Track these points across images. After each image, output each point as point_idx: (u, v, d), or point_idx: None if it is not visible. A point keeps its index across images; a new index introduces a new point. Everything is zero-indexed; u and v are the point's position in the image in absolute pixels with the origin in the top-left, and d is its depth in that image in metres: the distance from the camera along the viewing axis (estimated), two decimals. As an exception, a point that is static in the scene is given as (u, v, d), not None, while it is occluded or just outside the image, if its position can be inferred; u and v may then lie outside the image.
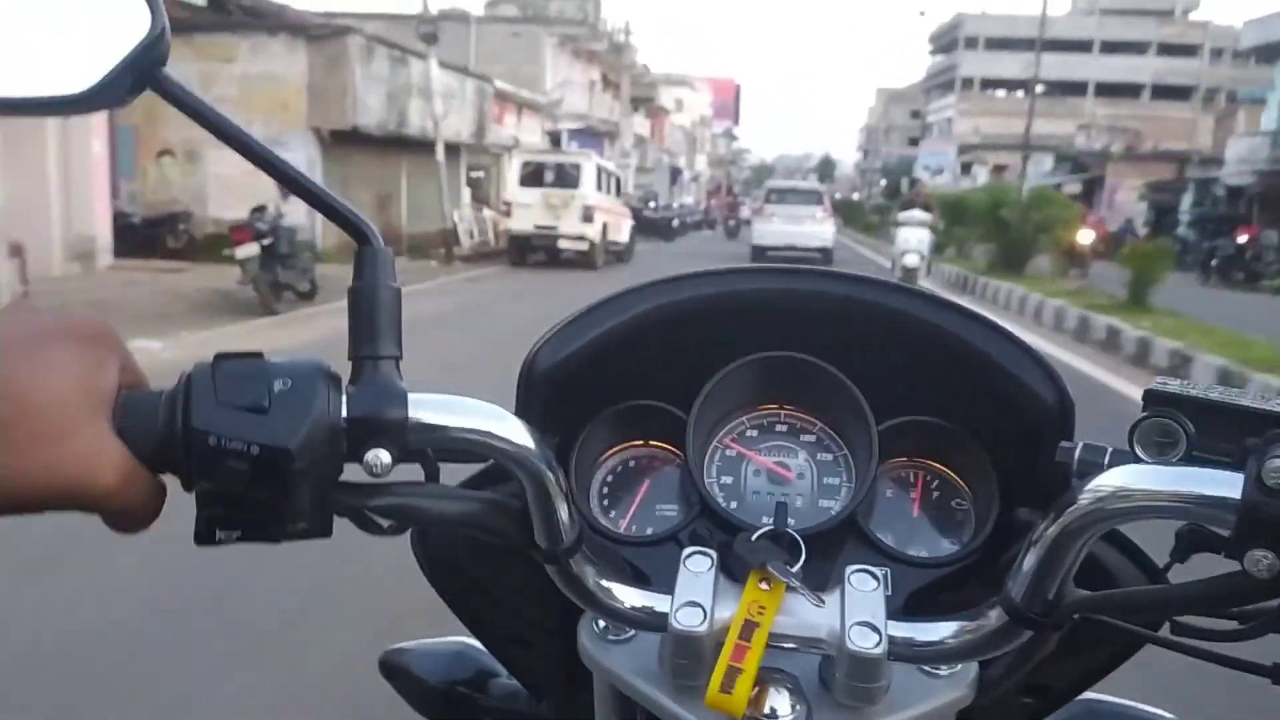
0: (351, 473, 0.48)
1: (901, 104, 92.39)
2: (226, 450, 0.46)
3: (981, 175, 51.66)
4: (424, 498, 0.52)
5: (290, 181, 0.50)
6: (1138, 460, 0.47)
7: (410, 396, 0.48)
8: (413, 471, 0.52)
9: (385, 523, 0.51)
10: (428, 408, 0.49)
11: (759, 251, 18.85)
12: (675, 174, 49.94)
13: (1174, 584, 0.48)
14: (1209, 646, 0.47)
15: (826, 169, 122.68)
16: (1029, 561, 0.48)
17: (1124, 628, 0.49)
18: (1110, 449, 0.50)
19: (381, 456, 0.48)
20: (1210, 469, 0.44)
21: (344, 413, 0.47)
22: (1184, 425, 0.48)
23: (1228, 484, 0.43)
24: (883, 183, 78.35)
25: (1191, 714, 1.06)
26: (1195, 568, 0.46)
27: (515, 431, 0.50)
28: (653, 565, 0.63)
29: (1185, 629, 0.48)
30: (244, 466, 0.45)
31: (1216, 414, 0.48)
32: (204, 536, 0.48)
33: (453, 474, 0.59)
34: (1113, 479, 0.46)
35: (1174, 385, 0.50)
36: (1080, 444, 0.50)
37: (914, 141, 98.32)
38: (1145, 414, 0.48)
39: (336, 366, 0.49)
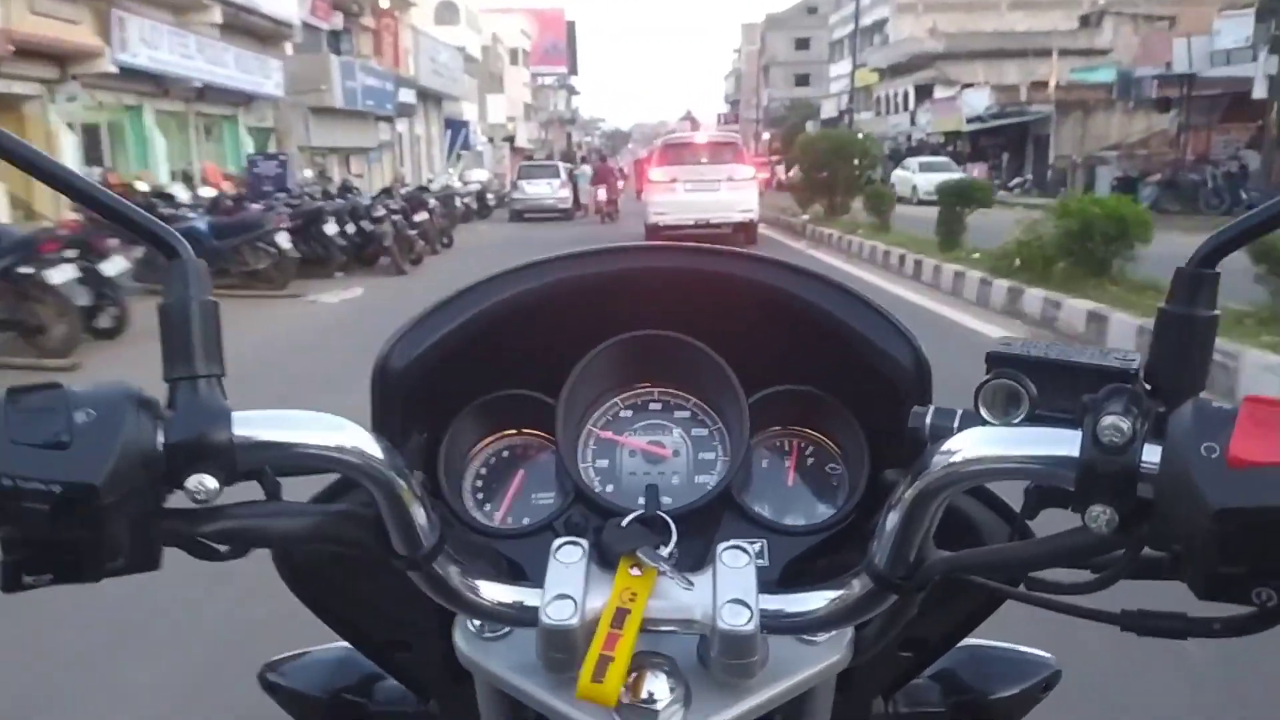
0: (182, 499, 0.49)
1: (781, 33, 67.97)
2: (24, 492, 0.45)
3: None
4: (261, 518, 0.53)
5: (85, 197, 0.50)
6: (984, 422, 0.52)
7: (235, 415, 0.50)
8: (254, 490, 0.53)
9: (222, 548, 0.52)
10: (256, 425, 0.50)
11: (657, 233, 14.85)
12: (457, 131, 39.56)
13: (1025, 542, 0.54)
14: (1062, 599, 0.52)
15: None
16: (889, 525, 0.53)
17: (983, 585, 0.54)
18: (960, 412, 0.54)
19: (205, 482, 0.49)
20: (1051, 428, 0.49)
21: (160, 439, 0.48)
22: (1025, 386, 0.52)
23: (1067, 442, 0.47)
24: (766, 137, 68.02)
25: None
26: (1058, 518, 0.51)
27: (356, 440, 0.51)
28: (529, 557, 0.67)
29: (1040, 583, 0.54)
30: (45, 507, 0.45)
31: (1055, 372, 0.52)
32: (11, 583, 0.48)
33: (314, 484, 0.64)
34: (960, 443, 0.50)
35: (1015, 346, 0.54)
36: (931, 409, 0.56)
37: (803, 80, 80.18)
38: (989, 376, 0.53)
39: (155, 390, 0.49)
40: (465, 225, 21.33)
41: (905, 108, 45.43)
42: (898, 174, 29.64)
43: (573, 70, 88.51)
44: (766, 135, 78.48)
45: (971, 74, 36.83)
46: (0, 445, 0.45)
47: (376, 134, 28.42)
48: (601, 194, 24.01)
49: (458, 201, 21.15)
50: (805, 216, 18.38)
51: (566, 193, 25.71)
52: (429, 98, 35.66)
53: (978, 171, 14.66)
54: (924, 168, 28.46)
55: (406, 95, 29.97)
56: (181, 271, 0.52)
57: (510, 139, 54.50)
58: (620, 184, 25.56)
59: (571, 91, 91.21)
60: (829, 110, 58.81)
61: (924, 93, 42.24)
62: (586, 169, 27.55)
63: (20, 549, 0.47)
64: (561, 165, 27.41)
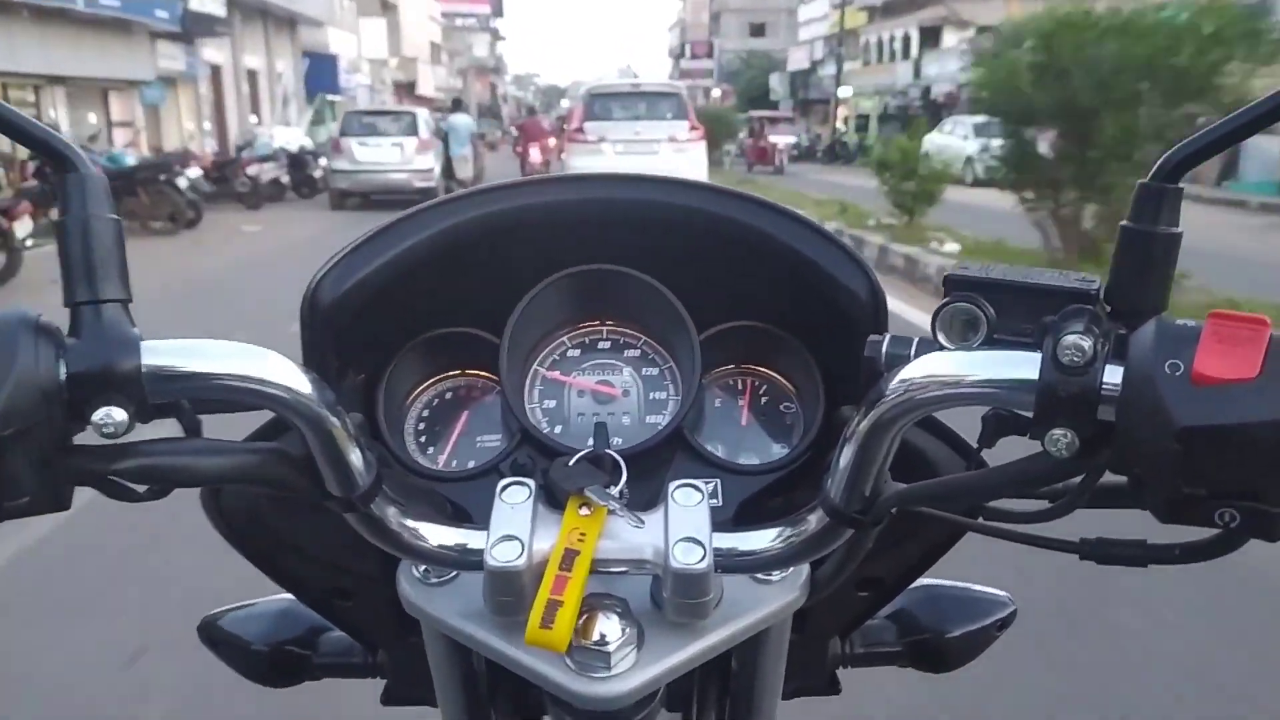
0: (93, 435, 0.46)
1: (734, -28, 61.97)
2: None
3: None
4: (180, 455, 0.50)
5: None
6: (942, 348, 0.50)
7: (145, 344, 0.46)
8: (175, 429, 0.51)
9: (139, 488, 0.50)
10: (168, 354, 0.47)
11: None
12: (321, 69, 30.93)
13: (982, 470, 0.52)
14: (1020, 529, 0.51)
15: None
16: (844, 459, 0.52)
17: (940, 517, 0.53)
18: (917, 339, 0.53)
19: (114, 414, 0.46)
20: (1009, 351, 0.48)
21: (62, 368, 0.45)
22: (984, 309, 0.50)
23: (1026, 365, 0.46)
24: (716, 93, 57.52)
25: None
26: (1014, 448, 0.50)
27: (281, 373, 0.48)
28: (474, 501, 0.67)
29: (998, 513, 0.53)
30: None
31: (1014, 294, 0.50)
32: None
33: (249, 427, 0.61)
34: (917, 369, 0.49)
35: (973, 269, 0.52)
36: (888, 336, 0.54)
37: (759, 30, 71.88)
38: (946, 299, 0.51)
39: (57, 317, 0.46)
40: (254, 213, 14.57)
41: (905, 55, 35.84)
42: (936, 140, 19.72)
43: (497, 12, 76.97)
44: (717, 92, 68.27)
45: (991, 13, 27.37)
46: None
47: (153, 60, 18.01)
48: (536, 155, 17.73)
49: (259, 174, 15.24)
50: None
51: (428, 161, 15.70)
52: (270, 17, 25.08)
53: (1046, 143, 8.23)
54: (981, 131, 18.59)
55: (210, 2, 19.41)
56: (80, 186, 0.48)
57: (409, 85, 43.53)
58: (552, 142, 18.49)
59: (496, 36, 79.89)
60: (798, 61, 48.70)
61: (930, 37, 32.62)
62: (462, 120, 17.63)
63: None
64: (421, 115, 16.90)
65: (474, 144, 17.90)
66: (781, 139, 29.67)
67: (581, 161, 12.61)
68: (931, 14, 32.88)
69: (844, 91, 37.19)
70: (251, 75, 25.28)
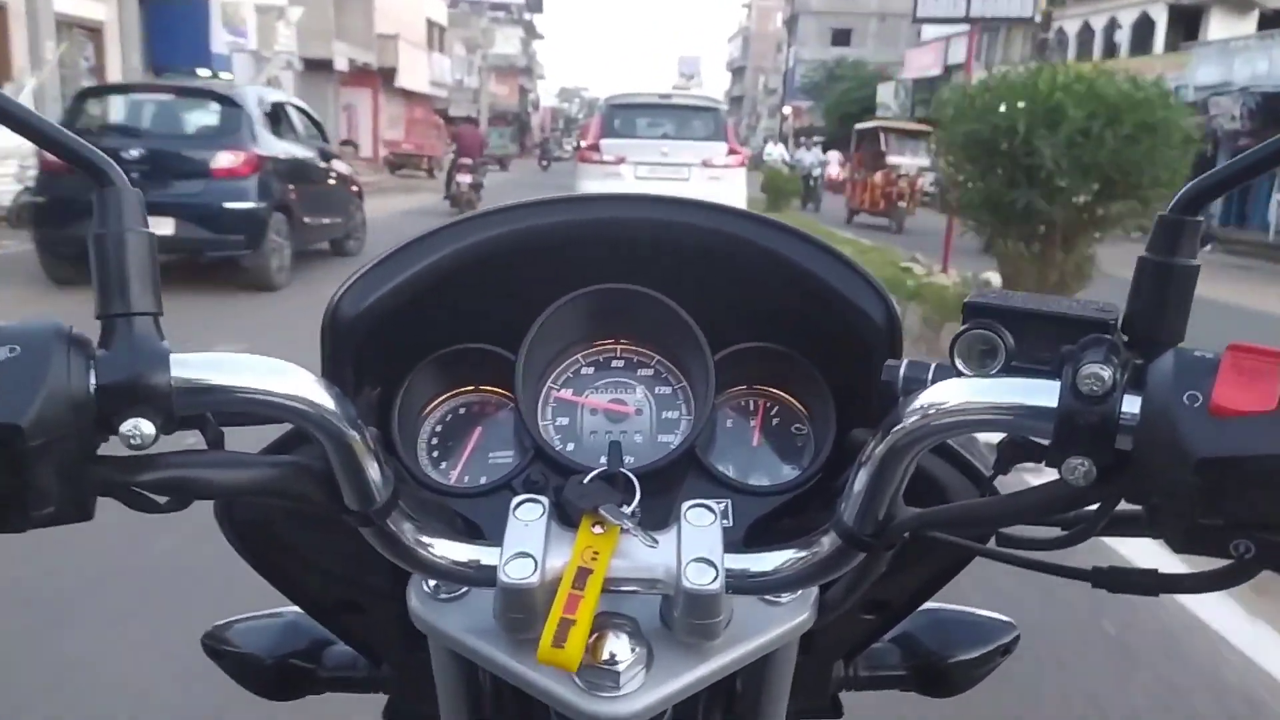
0: (117, 446, 0.49)
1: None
2: None
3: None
4: (202, 468, 0.53)
5: (20, 123, 0.49)
6: (960, 374, 0.53)
7: (174, 356, 0.49)
8: (197, 441, 0.55)
9: (161, 499, 0.52)
10: (196, 367, 0.49)
11: None
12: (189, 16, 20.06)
13: (998, 497, 0.56)
14: (1033, 555, 0.55)
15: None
16: (859, 483, 0.55)
17: (953, 542, 0.56)
18: (934, 364, 0.57)
19: (141, 426, 0.48)
20: (1028, 379, 0.50)
21: (91, 380, 0.48)
22: (1002, 336, 0.53)
23: (1045, 393, 0.48)
24: (786, 111, 51.69)
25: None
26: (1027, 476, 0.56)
27: (305, 388, 0.52)
28: (486, 517, 0.70)
29: (1011, 540, 0.57)
30: None
31: (1033, 322, 0.53)
32: None
33: (262, 440, 0.66)
34: (934, 395, 0.51)
35: (991, 296, 0.55)
36: (905, 361, 0.58)
37: (842, 37, 58.95)
38: (965, 326, 0.54)
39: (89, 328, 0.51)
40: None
41: (1145, 49, 22.82)
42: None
43: (534, 6, 64.04)
44: (787, 110, 54.55)
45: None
46: None
47: None
48: (464, 177, 16.17)
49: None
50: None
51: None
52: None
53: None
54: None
55: None
56: (115, 200, 0.50)
57: (382, 71, 31.19)
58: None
59: (531, 33, 67.30)
60: (922, 66, 35.49)
61: (1185, 21, 19.54)
62: None
63: None
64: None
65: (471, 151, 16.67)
66: (909, 161, 19.57)
67: (594, 185, 11.05)
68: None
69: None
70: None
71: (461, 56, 51.12)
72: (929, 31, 40.21)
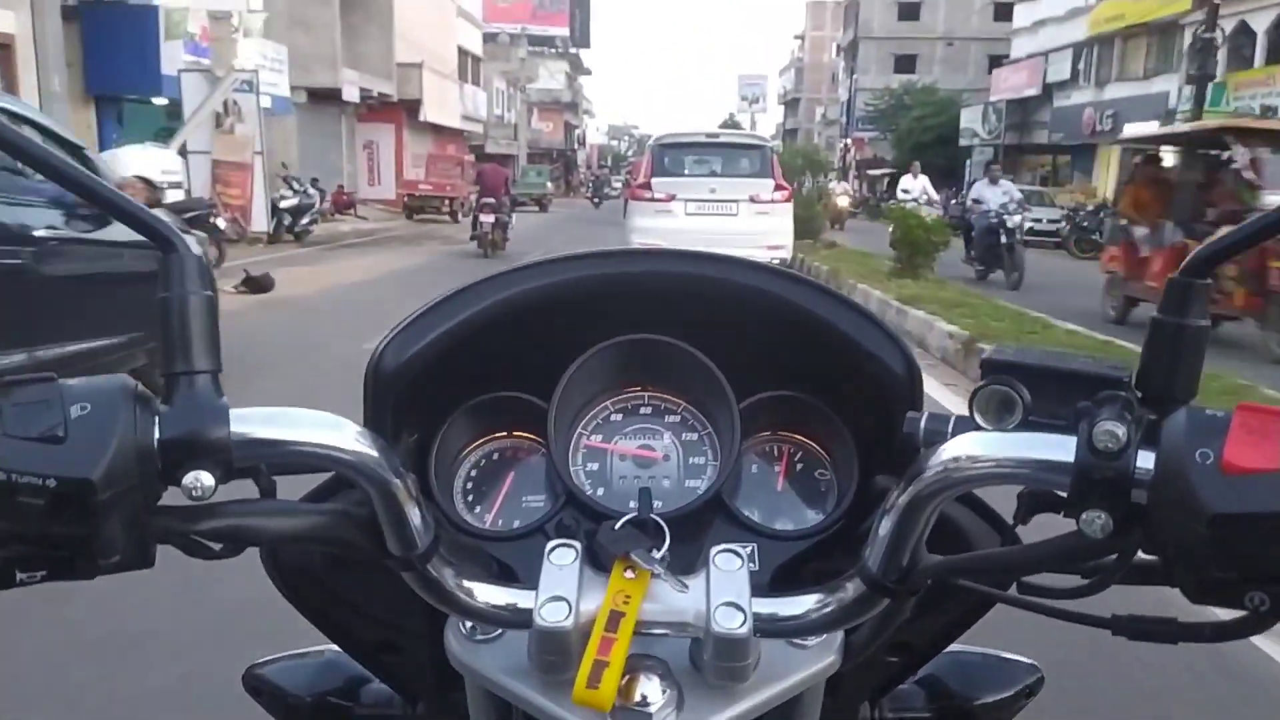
0: (175, 494, 0.53)
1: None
2: (19, 486, 0.47)
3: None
4: (256, 516, 0.57)
5: (85, 190, 0.53)
6: (978, 428, 0.56)
7: (233, 412, 0.54)
8: (248, 488, 0.59)
9: (216, 546, 0.56)
10: (253, 422, 0.54)
11: None
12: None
13: (1018, 546, 0.58)
14: (1054, 603, 0.57)
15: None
16: (883, 530, 0.58)
17: (975, 589, 0.59)
18: (954, 418, 0.59)
19: (202, 479, 0.51)
20: (1045, 434, 0.53)
21: (156, 434, 0.51)
22: (1020, 392, 0.55)
23: (1062, 448, 0.51)
24: (843, 145, 51.24)
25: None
26: (1049, 521, 0.57)
27: (352, 440, 0.56)
28: (519, 560, 0.73)
29: (1032, 587, 0.59)
30: (40, 502, 0.48)
31: (1050, 379, 0.55)
32: (4, 580, 0.51)
33: (304, 483, 0.69)
34: (955, 448, 0.55)
35: (1009, 352, 0.58)
36: (926, 414, 0.60)
37: (906, 64, 54.97)
38: (983, 382, 0.56)
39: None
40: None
41: None
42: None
43: (580, 41, 61.02)
44: (845, 142, 50.70)
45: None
46: None
47: None
48: (487, 218, 16.28)
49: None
50: None
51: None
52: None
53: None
54: None
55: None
56: (180, 266, 0.54)
57: (406, 104, 28.03)
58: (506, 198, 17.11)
59: (578, 68, 64.36)
60: (1013, 87, 31.36)
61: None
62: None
63: (14, 545, 0.49)
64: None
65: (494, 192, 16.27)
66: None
67: (647, 222, 11.81)
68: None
69: (1136, 129, 19.53)
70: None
71: (500, 90, 48.24)
72: (1020, 48, 36.40)
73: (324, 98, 25.98)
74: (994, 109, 38.64)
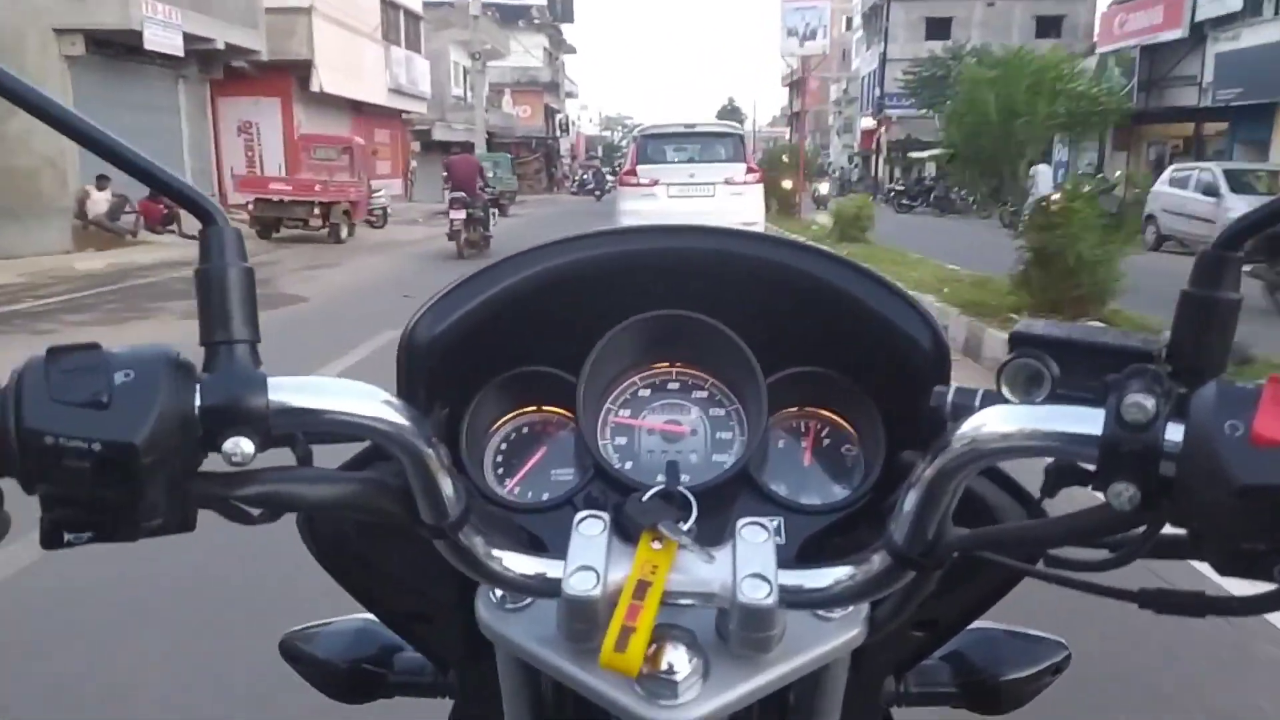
0: (215, 461, 0.58)
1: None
2: (65, 449, 0.50)
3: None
4: (294, 483, 0.60)
5: (126, 163, 0.57)
6: (1006, 401, 0.59)
7: (270, 380, 0.57)
8: (285, 456, 0.63)
9: (255, 512, 0.60)
10: (290, 391, 0.57)
11: None
12: None
13: (1045, 519, 0.63)
14: (1081, 576, 0.59)
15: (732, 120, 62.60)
16: (909, 504, 0.61)
17: (1001, 562, 0.62)
18: (981, 391, 0.62)
19: (242, 445, 0.55)
20: (1073, 407, 0.55)
21: (197, 401, 0.55)
22: (1048, 365, 0.58)
23: (1090, 420, 0.53)
24: (868, 124, 47.33)
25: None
26: (1073, 496, 0.60)
27: (387, 409, 0.59)
28: (548, 531, 0.78)
29: (1058, 561, 0.61)
30: (86, 465, 0.51)
31: (1078, 352, 0.58)
32: (51, 540, 0.54)
33: (339, 453, 0.73)
34: (982, 421, 0.56)
35: (1038, 326, 0.61)
36: (953, 388, 0.64)
37: (941, 27, 48.03)
38: (1012, 355, 0.59)
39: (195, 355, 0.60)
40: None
41: None
42: None
43: (563, 15, 52.08)
44: (869, 122, 42.81)
45: None
46: (41, 403, 0.50)
47: None
48: (459, 214, 15.68)
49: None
50: None
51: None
52: None
53: None
54: None
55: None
56: (219, 238, 0.58)
57: (277, 65, 19.08)
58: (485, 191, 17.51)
59: (560, 45, 55.55)
60: (1130, 32, 22.39)
61: None
62: None
63: (60, 507, 0.52)
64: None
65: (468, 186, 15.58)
66: None
67: (634, 205, 13.89)
68: None
69: None
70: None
71: (460, 64, 39.71)
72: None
73: (129, 54, 16.37)
74: (1116, 61, 28.27)
